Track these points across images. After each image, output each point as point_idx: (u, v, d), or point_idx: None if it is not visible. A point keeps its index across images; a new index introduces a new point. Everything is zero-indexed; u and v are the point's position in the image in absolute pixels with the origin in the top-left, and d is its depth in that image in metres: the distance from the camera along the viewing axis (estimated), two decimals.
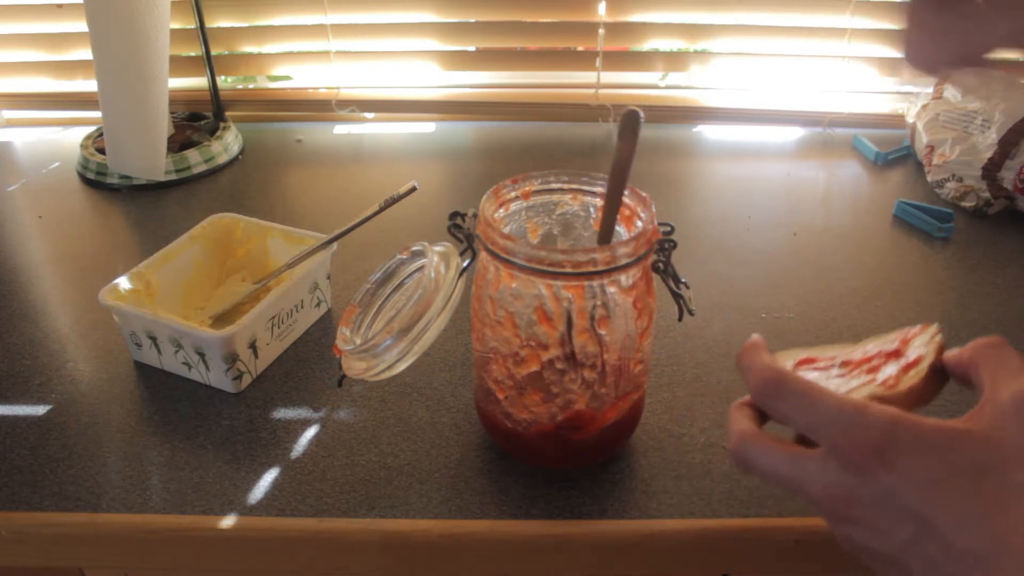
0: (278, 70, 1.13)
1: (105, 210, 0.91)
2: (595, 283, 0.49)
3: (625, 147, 0.48)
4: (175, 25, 1.02)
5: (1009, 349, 0.38)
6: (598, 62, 1.07)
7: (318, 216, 0.89)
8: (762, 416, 0.41)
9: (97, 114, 0.92)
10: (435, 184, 0.96)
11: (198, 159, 0.96)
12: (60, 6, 1.05)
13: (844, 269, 0.78)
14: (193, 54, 1.08)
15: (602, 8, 1.04)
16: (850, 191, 0.94)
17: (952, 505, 0.33)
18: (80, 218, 0.89)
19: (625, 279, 0.49)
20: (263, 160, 1.01)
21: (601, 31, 1.05)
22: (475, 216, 0.52)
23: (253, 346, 0.63)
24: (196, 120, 1.06)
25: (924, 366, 0.41)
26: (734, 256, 0.80)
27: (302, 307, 0.68)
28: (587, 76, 1.10)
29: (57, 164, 1.00)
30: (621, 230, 0.54)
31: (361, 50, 1.10)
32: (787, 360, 0.45)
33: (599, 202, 0.54)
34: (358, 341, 0.54)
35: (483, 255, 0.50)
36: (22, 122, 1.13)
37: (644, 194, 0.52)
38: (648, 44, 1.08)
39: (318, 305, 0.71)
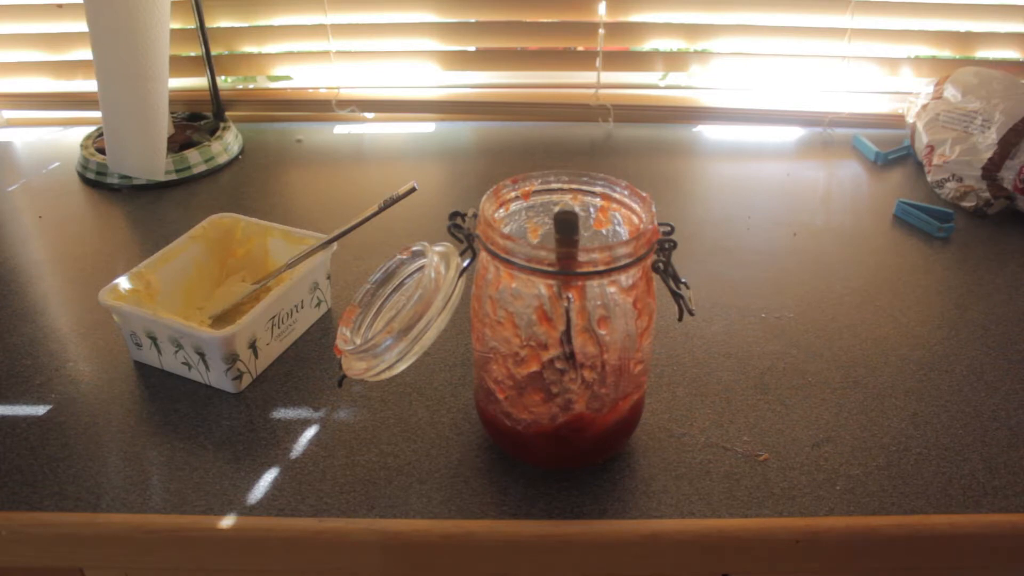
0: (278, 70, 1.13)
1: (105, 210, 0.91)
2: (595, 283, 0.49)
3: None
4: (175, 25, 1.02)
5: None
6: (598, 62, 1.07)
7: (318, 216, 0.89)
8: None
9: (97, 114, 0.92)
10: (435, 184, 0.96)
11: (198, 159, 0.96)
12: (60, 6, 1.05)
13: (844, 269, 0.78)
14: (193, 54, 1.08)
15: (602, 8, 1.04)
16: (850, 191, 0.94)
17: None
18: (80, 218, 0.89)
19: (625, 279, 0.49)
20: (263, 160, 1.01)
21: (601, 31, 1.05)
22: (475, 216, 0.52)
23: (253, 346, 0.63)
24: (196, 120, 1.06)
25: None
26: (734, 256, 0.80)
27: (302, 307, 0.68)
28: (587, 76, 1.10)
29: (57, 164, 1.00)
30: (622, 230, 0.54)
31: (361, 50, 1.10)
32: None
33: (599, 202, 0.54)
34: (358, 341, 0.54)
35: (483, 255, 0.51)
36: (22, 122, 1.13)
37: (644, 194, 0.52)
38: (648, 44, 1.08)
39: (318, 305, 0.71)
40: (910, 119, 1.01)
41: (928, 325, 0.71)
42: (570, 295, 0.49)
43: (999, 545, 0.54)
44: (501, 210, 0.53)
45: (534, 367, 0.51)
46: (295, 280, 0.65)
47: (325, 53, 1.08)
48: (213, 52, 1.04)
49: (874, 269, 0.78)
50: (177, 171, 0.95)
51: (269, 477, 0.56)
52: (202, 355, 0.61)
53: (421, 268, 0.54)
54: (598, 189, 0.54)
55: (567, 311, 0.49)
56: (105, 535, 0.54)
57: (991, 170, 0.86)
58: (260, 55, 1.10)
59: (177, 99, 1.07)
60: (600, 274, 0.47)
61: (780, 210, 0.89)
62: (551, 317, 0.49)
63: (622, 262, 0.47)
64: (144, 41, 0.85)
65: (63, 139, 1.07)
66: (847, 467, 0.57)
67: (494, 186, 0.53)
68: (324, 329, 0.70)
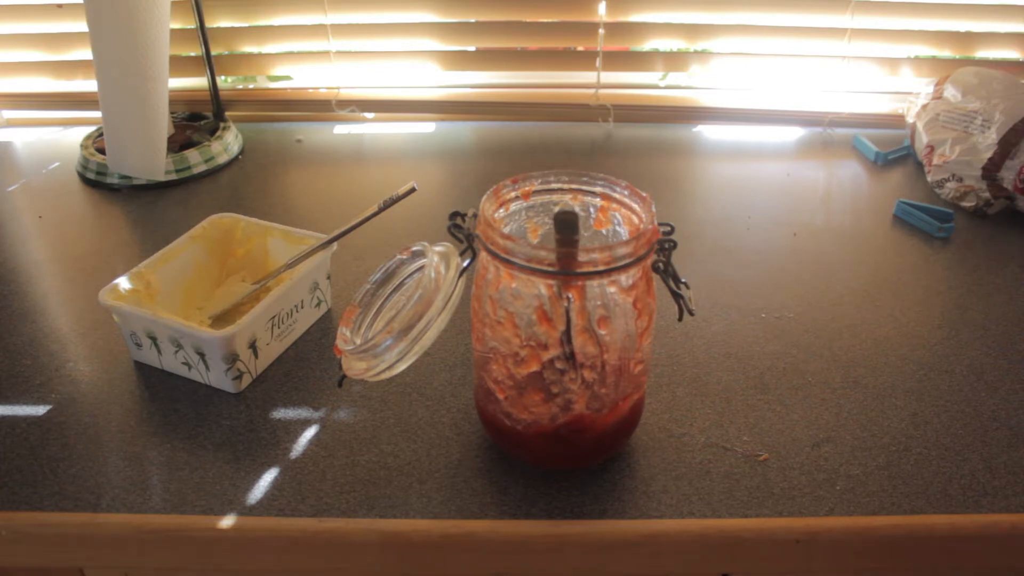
0: (278, 70, 1.13)
1: (105, 210, 0.91)
2: (595, 283, 0.49)
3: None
4: (175, 25, 1.02)
5: None
6: (598, 62, 1.07)
7: (318, 216, 0.89)
8: None
9: (97, 114, 0.92)
10: (435, 184, 0.96)
11: (198, 159, 0.96)
12: (60, 6, 1.05)
13: (844, 269, 0.78)
14: (193, 54, 1.08)
15: (602, 8, 1.04)
16: (850, 191, 0.94)
17: None
18: (80, 218, 0.89)
19: (625, 279, 0.49)
20: (263, 160, 1.01)
21: (601, 31, 1.05)
22: (475, 216, 0.52)
23: (253, 346, 0.63)
24: (196, 120, 1.06)
25: None
26: (734, 256, 0.80)
27: (302, 307, 0.68)
28: (587, 76, 1.10)
29: (57, 164, 1.00)
30: (622, 230, 0.54)
31: (361, 50, 1.10)
32: None
33: (599, 202, 0.54)
34: (358, 341, 0.54)
35: (483, 255, 0.51)
36: (22, 122, 1.13)
37: (644, 194, 0.52)
38: (648, 44, 1.08)
39: (318, 305, 0.71)
40: (910, 119, 1.01)
41: (928, 325, 0.71)
42: (570, 295, 0.49)
43: (999, 545, 0.54)
44: (501, 210, 0.53)
45: (534, 367, 0.51)
46: (295, 280, 0.65)
47: (325, 53, 1.08)
48: (213, 52, 1.04)
49: (874, 269, 0.78)
50: (177, 171, 0.95)
51: (269, 477, 0.56)
52: (202, 355, 0.61)
53: (421, 268, 0.54)
54: (598, 189, 0.54)
55: (567, 311, 0.49)
56: (105, 535, 0.54)
57: (991, 170, 0.86)
58: (260, 55, 1.10)
59: (177, 99, 1.07)
60: (600, 274, 0.47)
61: (780, 210, 0.89)
62: (551, 317, 0.49)
63: (622, 262, 0.47)
64: (144, 41, 0.85)
65: (63, 139, 1.07)
66: (847, 467, 0.57)
67: (494, 186, 0.53)
68: (324, 329, 0.70)
